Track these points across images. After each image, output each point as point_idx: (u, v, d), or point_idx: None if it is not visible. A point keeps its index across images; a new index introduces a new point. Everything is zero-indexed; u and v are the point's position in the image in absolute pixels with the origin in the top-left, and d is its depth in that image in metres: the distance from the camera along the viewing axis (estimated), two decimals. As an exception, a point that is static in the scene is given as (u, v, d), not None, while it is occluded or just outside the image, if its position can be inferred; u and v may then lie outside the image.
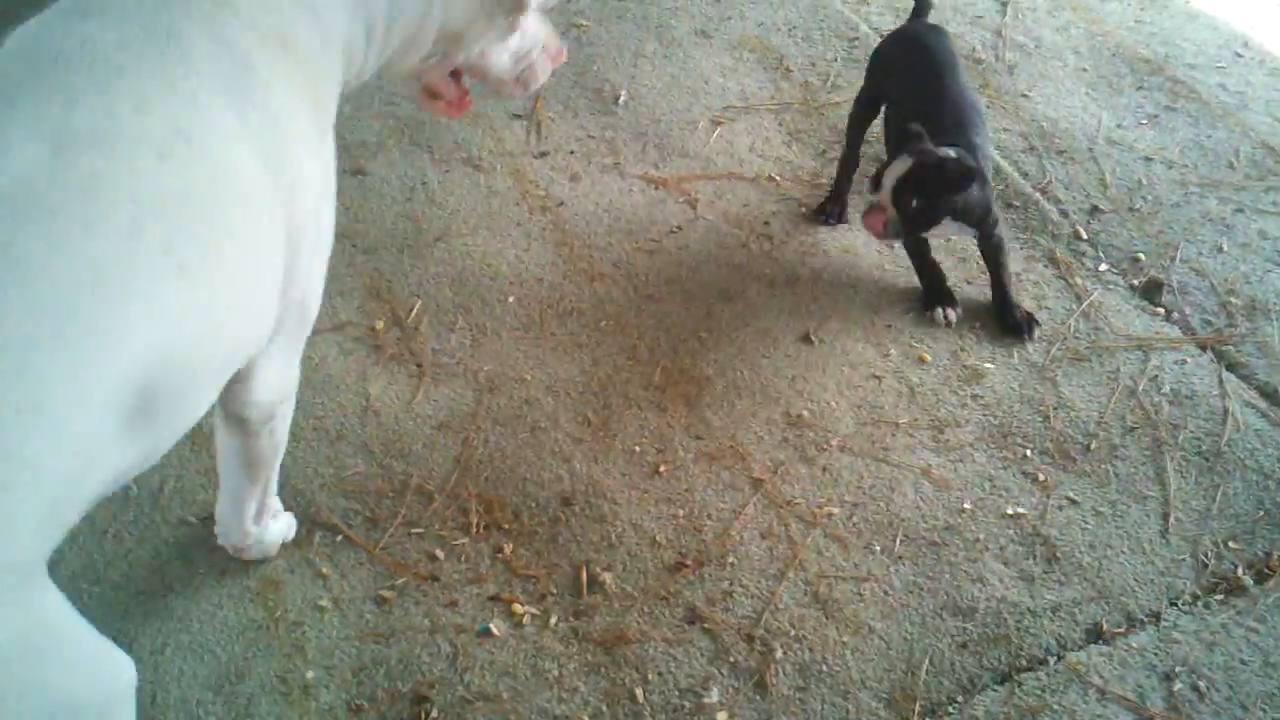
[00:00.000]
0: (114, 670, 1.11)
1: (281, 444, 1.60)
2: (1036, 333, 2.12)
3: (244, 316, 1.28)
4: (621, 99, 2.68)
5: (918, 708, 1.59)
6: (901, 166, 1.97)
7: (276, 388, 1.51)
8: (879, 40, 2.82)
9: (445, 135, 2.52)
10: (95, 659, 1.09)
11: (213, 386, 1.29)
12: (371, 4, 1.38)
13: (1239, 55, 2.84)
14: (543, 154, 2.52)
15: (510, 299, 2.18)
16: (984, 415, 1.97)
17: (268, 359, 1.45)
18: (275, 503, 1.73)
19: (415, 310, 2.13)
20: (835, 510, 1.82)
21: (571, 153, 2.53)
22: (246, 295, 1.27)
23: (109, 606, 1.67)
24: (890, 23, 2.95)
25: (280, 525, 1.76)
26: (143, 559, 1.73)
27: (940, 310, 2.14)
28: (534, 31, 1.58)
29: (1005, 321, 2.14)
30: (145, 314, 1.10)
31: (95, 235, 1.08)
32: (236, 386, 1.44)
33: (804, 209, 2.36)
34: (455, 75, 1.57)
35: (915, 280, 2.21)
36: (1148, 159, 2.52)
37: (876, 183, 2.02)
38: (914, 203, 1.97)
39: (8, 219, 1.04)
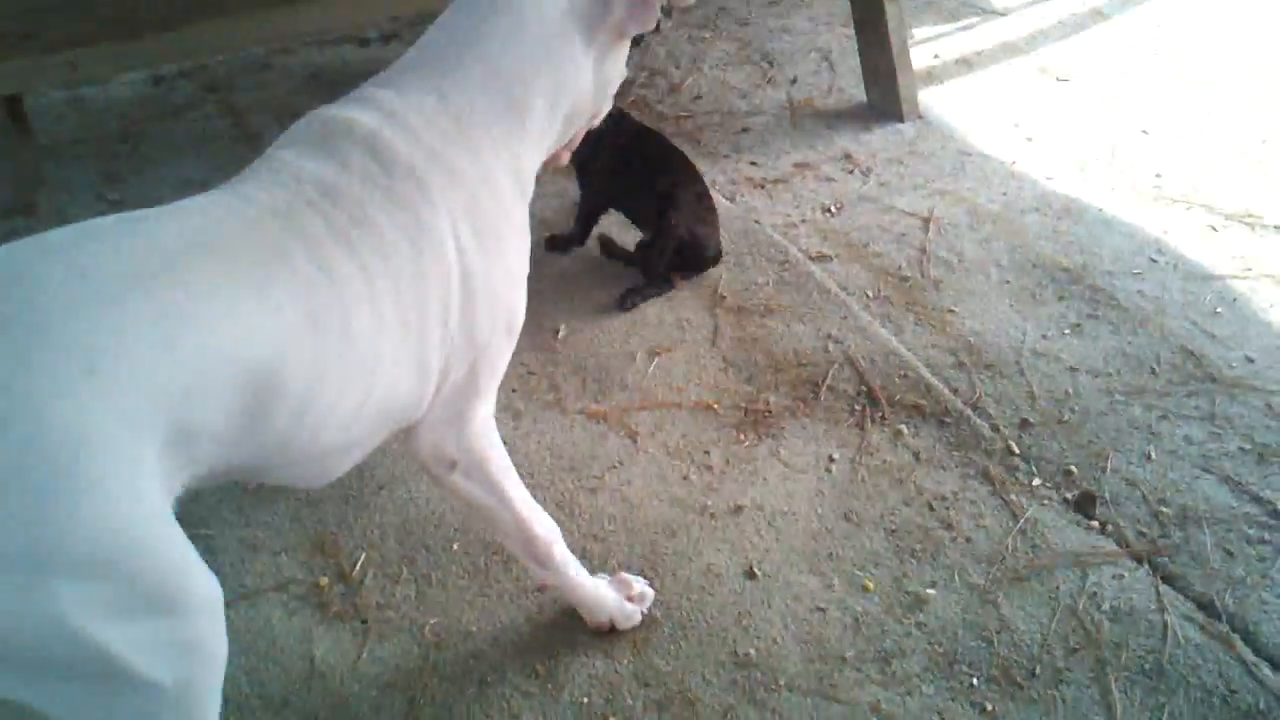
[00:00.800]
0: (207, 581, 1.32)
1: (494, 501, 1.85)
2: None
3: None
4: (561, 334, 2.74)
5: None
6: None
7: (430, 440, 1.76)
8: (809, 264, 2.92)
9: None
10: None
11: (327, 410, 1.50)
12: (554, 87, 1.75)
13: (1154, 260, 2.94)
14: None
15: (455, 546, 2.19)
16: (929, 644, 1.98)
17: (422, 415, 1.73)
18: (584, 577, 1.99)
19: (360, 563, 2.14)
20: (786, 754, 1.82)
21: (513, 390, 2.57)
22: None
23: None
24: (818, 245, 3.06)
25: (602, 595, 2.00)
26: None
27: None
28: None
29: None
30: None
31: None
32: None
33: (743, 439, 2.40)
34: None
35: (854, 504, 2.25)
36: (1073, 369, 2.59)
37: None
38: None
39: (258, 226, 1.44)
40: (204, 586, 1.30)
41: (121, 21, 2.34)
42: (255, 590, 2.09)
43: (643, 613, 2.02)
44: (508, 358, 1.79)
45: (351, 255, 1.49)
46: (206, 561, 2.01)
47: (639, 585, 2.04)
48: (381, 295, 1.51)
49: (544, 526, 1.91)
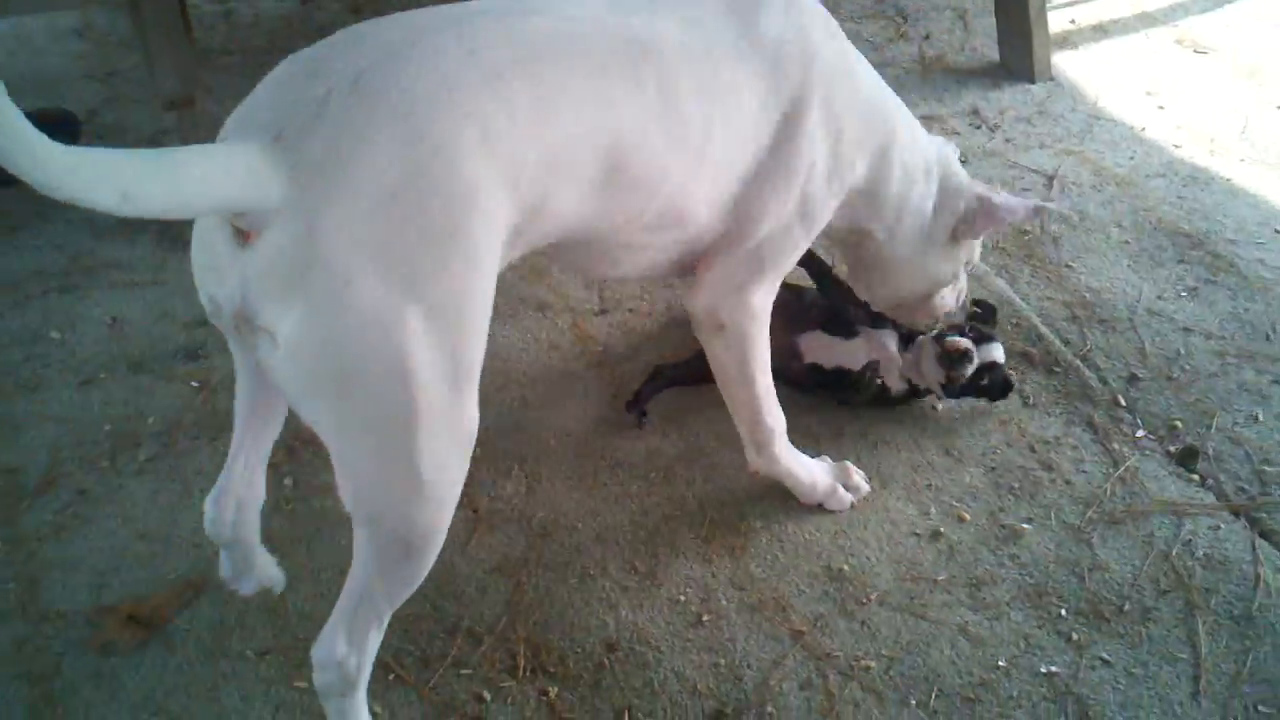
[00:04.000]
0: None
1: (741, 377, 2.03)
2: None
3: (683, 160, 1.71)
4: (678, 261, 2.80)
5: None
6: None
7: (708, 296, 1.95)
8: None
9: (509, 289, 2.65)
10: None
11: (651, 204, 1.72)
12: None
13: (1278, 232, 2.92)
14: (603, 311, 2.64)
15: (563, 448, 2.27)
16: (1020, 574, 2.02)
17: (708, 266, 1.93)
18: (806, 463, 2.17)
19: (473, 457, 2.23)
20: (872, 664, 1.87)
21: (630, 311, 2.65)
22: (689, 143, 1.71)
23: (172, 733, 1.75)
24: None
25: (817, 479, 2.16)
26: (200, 692, 1.82)
27: None
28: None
29: None
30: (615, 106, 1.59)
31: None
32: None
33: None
34: None
35: (956, 441, 2.29)
36: (1187, 330, 2.59)
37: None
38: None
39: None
40: (473, 410, 1.51)
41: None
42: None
43: (854, 503, 2.17)
44: (798, 249, 1.98)
45: (697, 92, 1.70)
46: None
47: (857, 476, 2.19)
48: (712, 125, 1.72)
49: (774, 416, 2.09)
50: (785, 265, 1.97)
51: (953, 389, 2.29)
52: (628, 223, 1.72)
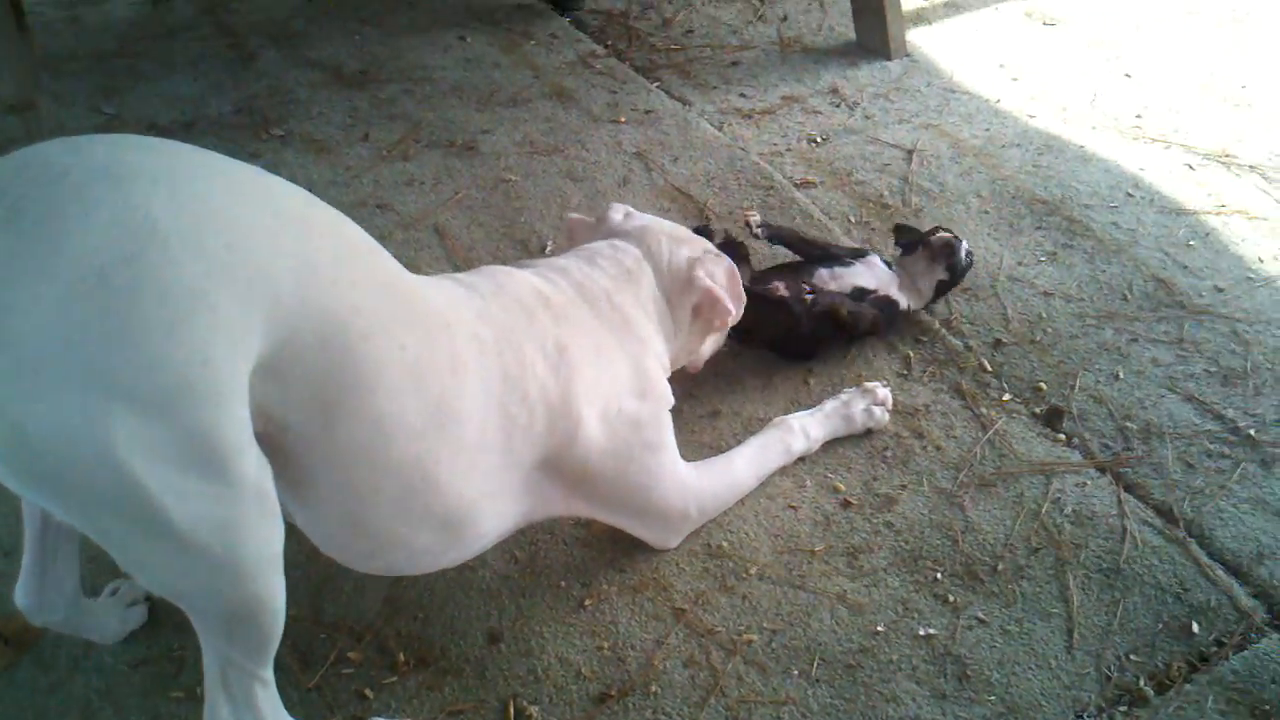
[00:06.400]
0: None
1: (736, 496, 2.15)
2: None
3: None
4: (548, 249, 2.79)
5: (836, 826, 1.64)
6: None
7: (662, 535, 2.04)
8: (793, 190, 2.97)
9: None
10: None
11: None
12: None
13: (1130, 195, 3.00)
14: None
15: (440, 443, 2.24)
16: (896, 540, 2.05)
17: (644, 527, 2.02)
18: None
19: (347, 456, 2.19)
20: (754, 637, 1.88)
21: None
22: None
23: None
24: (803, 172, 3.11)
25: (850, 415, 2.30)
26: (75, 708, 1.78)
27: None
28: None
29: None
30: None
31: None
32: None
33: (723, 349, 2.45)
34: None
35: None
36: (1047, 294, 2.65)
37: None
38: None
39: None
40: (255, 472, 1.30)
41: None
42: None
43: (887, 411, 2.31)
44: (656, 459, 1.93)
45: (483, 381, 1.64)
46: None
47: (882, 391, 2.32)
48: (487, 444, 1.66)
49: (776, 452, 2.19)
50: (653, 470, 1.92)
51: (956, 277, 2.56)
52: (361, 497, 1.56)
